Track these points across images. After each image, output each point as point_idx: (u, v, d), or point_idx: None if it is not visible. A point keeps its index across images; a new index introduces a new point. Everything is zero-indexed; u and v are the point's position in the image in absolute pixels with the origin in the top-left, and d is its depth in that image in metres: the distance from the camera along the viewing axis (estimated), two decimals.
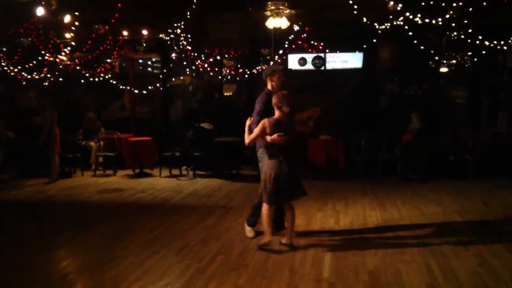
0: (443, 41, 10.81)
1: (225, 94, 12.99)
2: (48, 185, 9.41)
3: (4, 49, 11.08)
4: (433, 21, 8.73)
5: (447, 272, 4.62)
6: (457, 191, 8.26)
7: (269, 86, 5.74)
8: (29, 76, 11.43)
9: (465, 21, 9.14)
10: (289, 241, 5.37)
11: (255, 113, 5.53)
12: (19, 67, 11.21)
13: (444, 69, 12.02)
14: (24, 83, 11.72)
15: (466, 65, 11.77)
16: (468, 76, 11.57)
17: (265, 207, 5.30)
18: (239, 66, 12.04)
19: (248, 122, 5.42)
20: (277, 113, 5.22)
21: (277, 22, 8.98)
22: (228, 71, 12.50)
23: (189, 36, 10.52)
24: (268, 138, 5.18)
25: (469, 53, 11.25)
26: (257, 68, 11.21)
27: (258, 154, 5.66)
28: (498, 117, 10.70)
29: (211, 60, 11.44)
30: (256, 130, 5.25)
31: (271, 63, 11.00)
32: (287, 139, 5.14)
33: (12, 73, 11.24)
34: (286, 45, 10.30)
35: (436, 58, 11.23)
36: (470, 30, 9.49)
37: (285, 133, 5.12)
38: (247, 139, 5.34)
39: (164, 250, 5.41)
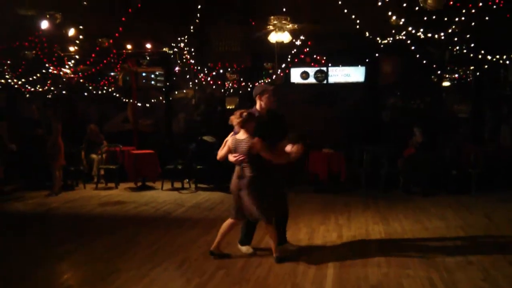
0: (446, 56, 10.85)
1: (228, 107, 13.01)
2: (50, 198, 9.42)
3: (9, 61, 11.16)
4: (436, 36, 8.78)
5: (450, 286, 4.58)
6: (460, 205, 8.23)
7: (257, 106, 5.62)
8: (32, 89, 11.49)
9: (468, 36, 9.18)
10: (274, 254, 5.40)
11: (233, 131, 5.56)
12: (23, 80, 11.27)
13: (446, 83, 12.04)
14: (27, 95, 11.76)
15: (468, 79, 11.79)
16: (471, 90, 11.59)
17: (229, 220, 5.51)
18: (241, 79, 12.08)
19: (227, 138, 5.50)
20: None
21: (279, 36, 9.04)
22: (230, 84, 12.54)
23: (192, 49, 10.58)
24: (230, 157, 5.34)
25: (472, 67, 11.28)
26: (260, 81, 11.25)
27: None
28: (500, 130, 10.69)
29: (214, 73, 11.48)
30: (225, 148, 5.41)
31: (274, 76, 11.06)
32: (240, 159, 5.20)
33: (16, 86, 11.30)
34: (288, 59, 10.35)
35: (439, 72, 11.26)
36: (472, 45, 9.53)
37: (240, 153, 5.20)
38: (218, 155, 5.52)
39: (166, 264, 5.39)
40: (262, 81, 11.28)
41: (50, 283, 4.89)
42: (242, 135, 5.26)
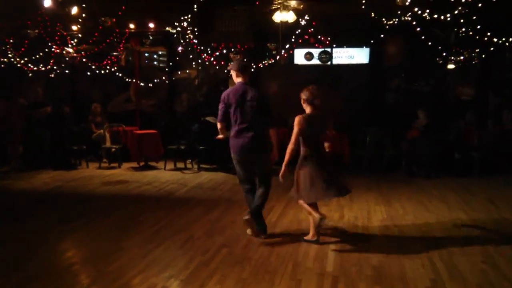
0: (451, 37, 10.75)
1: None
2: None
3: (11, 40, 11.10)
4: (442, 17, 8.69)
5: (451, 268, 4.61)
6: (462, 188, 8.24)
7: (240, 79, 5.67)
8: (35, 68, 11.45)
9: (474, 17, 9.08)
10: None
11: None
12: (25, 59, 11.22)
13: (451, 66, 11.94)
14: (30, 75, 11.72)
15: (473, 62, 11.69)
16: (476, 73, 11.50)
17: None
18: (245, 60, 12.01)
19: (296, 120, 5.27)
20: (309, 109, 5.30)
21: (284, 16, 8.96)
22: None
23: (195, 29, 10.51)
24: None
25: (477, 50, 11.17)
26: (263, 62, 11.18)
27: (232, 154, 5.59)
28: (503, 114, 10.62)
29: (217, 53, 11.41)
30: (295, 129, 5.22)
31: (277, 57, 10.99)
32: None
33: (18, 65, 11.26)
34: (292, 39, 10.27)
35: (444, 54, 11.16)
36: (478, 26, 9.42)
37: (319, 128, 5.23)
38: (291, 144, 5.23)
39: (169, 242, 5.42)
40: (265, 61, 11.21)
41: (53, 261, 4.93)
42: (316, 111, 5.28)
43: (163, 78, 12.19)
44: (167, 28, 11.15)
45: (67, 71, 12.25)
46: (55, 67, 11.72)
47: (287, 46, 10.47)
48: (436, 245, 5.25)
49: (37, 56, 11.21)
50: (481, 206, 7.06)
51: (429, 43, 10.02)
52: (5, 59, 11.19)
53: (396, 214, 6.65)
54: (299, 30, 10.00)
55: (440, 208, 6.92)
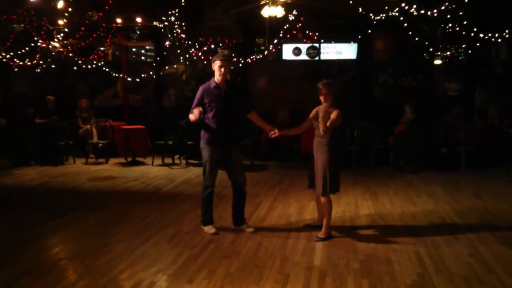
0: (438, 33, 10.82)
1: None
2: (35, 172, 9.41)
3: None
4: (429, 13, 8.74)
5: (437, 262, 4.65)
6: (449, 182, 8.31)
7: (214, 77, 5.63)
8: (21, 63, 11.31)
9: (460, 13, 9.15)
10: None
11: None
12: (11, 54, 11.09)
13: (438, 61, 12.03)
14: (16, 69, 11.58)
15: (460, 58, 11.79)
16: (462, 69, 11.59)
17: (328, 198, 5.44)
18: (233, 55, 11.98)
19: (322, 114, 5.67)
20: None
21: (272, 10, 8.92)
22: None
23: (183, 24, 10.45)
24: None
25: (464, 46, 11.26)
26: (252, 57, 11.16)
27: (201, 145, 5.56)
28: (488, 109, 10.74)
29: (205, 48, 11.37)
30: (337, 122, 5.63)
31: (266, 52, 10.98)
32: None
33: (4, 60, 11.12)
34: (281, 35, 10.26)
35: (431, 50, 11.23)
36: (465, 22, 9.49)
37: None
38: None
39: (157, 237, 5.41)
40: (254, 56, 11.20)
41: (41, 257, 4.89)
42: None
43: (151, 73, 12.13)
44: (155, 23, 11.08)
45: (53, 66, 12.13)
46: (41, 62, 11.60)
47: (275, 41, 10.46)
48: (423, 239, 5.30)
49: (23, 51, 11.08)
50: (468, 200, 7.13)
51: (416, 39, 10.08)
52: None
53: (383, 208, 6.70)
54: (287, 25, 10.00)
55: (427, 203, 6.99)
